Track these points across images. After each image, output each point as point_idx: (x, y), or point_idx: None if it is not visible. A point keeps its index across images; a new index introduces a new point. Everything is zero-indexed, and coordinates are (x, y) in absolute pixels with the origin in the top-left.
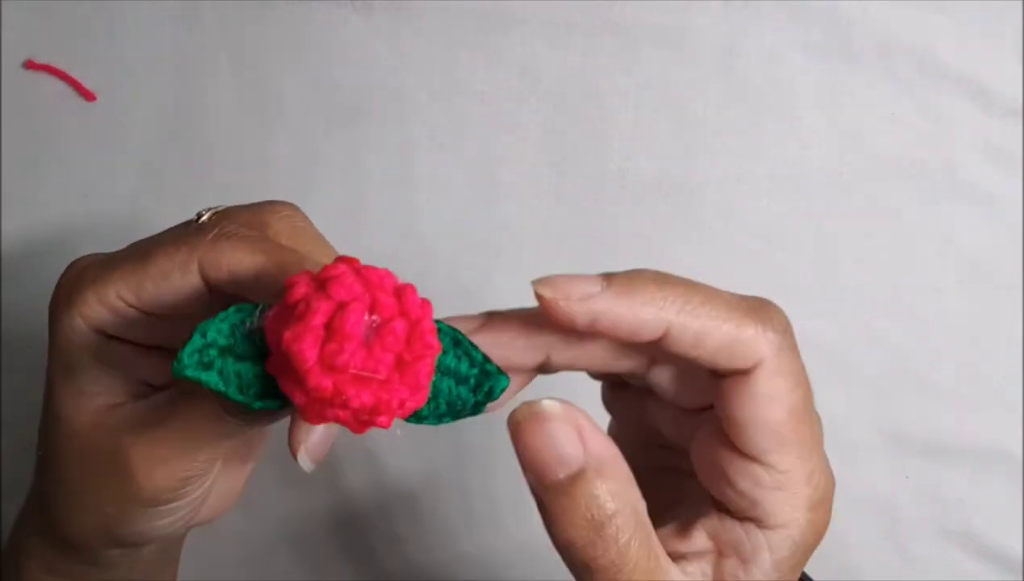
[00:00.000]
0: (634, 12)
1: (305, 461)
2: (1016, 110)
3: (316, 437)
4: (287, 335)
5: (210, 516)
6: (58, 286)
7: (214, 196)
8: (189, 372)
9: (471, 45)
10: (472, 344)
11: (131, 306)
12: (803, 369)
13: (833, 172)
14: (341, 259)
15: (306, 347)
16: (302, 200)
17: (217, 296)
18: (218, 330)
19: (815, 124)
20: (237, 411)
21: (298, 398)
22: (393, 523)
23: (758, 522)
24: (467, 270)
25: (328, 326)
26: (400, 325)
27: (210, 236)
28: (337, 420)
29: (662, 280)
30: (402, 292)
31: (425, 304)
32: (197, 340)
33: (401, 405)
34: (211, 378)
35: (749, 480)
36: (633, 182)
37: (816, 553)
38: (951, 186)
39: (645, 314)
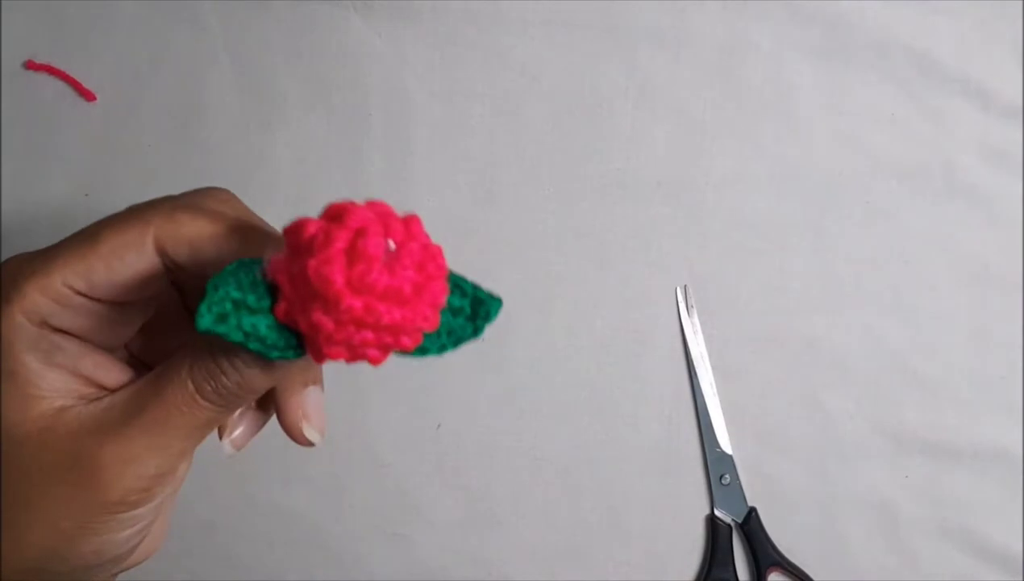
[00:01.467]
0: (634, 12)
1: (313, 434)
2: (1015, 110)
3: (314, 409)
4: (312, 263)
5: (139, 556)
6: None
7: None
8: (209, 325)
9: (471, 45)
10: (461, 276)
11: (80, 293)
12: None
13: (833, 172)
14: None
15: (335, 270)
16: (302, 200)
17: (174, 276)
18: (227, 283)
19: (815, 124)
20: (215, 391)
21: (325, 325)
22: (393, 523)
23: None
24: (467, 270)
25: (350, 251)
26: (415, 247)
27: (165, 208)
28: (364, 343)
29: None
30: (409, 221)
31: (437, 247)
32: (211, 294)
33: (424, 322)
34: (230, 330)
35: None
36: (633, 182)
37: (816, 553)
38: (950, 186)
39: None
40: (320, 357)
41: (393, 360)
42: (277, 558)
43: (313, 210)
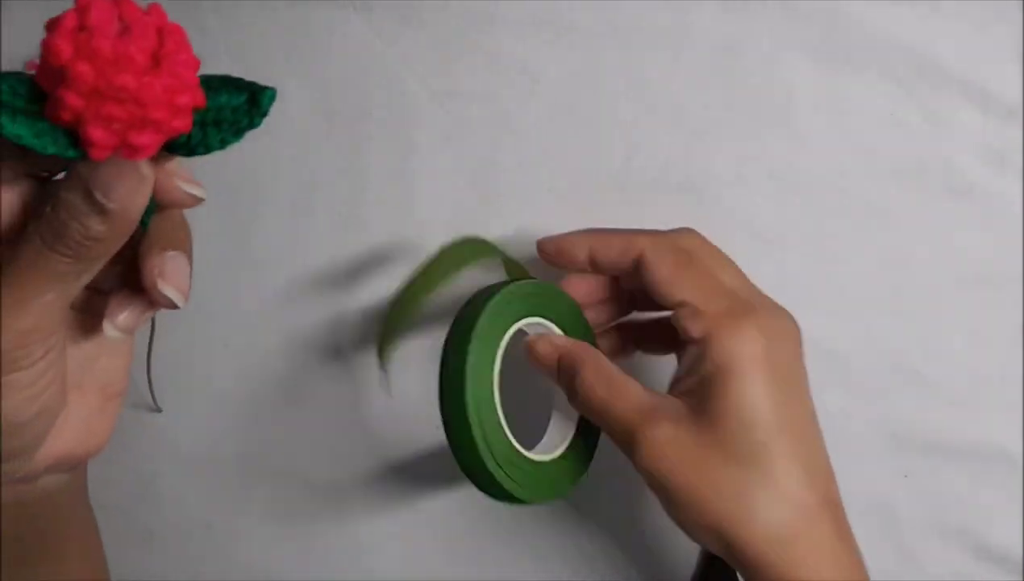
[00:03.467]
0: (634, 12)
1: (171, 290)
2: (1015, 111)
3: (172, 270)
4: (42, 42)
5: (75, 450)
6: None
7: (214, 197)
8: None
9: (471, 45)
10: (238, 77)
11: None
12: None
13: (833, 172)
14: None
15: (62, 41)
16: (302, 200)
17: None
18: None
19: (814, 124)
20: (60, 241)
21: (72, 100)
22: (393, 523)
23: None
24: (466, 270)
25: (79, 26)
26: (149, 21)
27: None
28: (114, 118)
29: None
30: (152, 9)
31: (178, 27)
32: None
33: (171, 93)
34: (4, 124)
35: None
36: (633, 182)
37: None
38: (950, 186)
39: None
40: (91, 146)
41: (393, 354)
42: (277, 558)
43: (314, 212)
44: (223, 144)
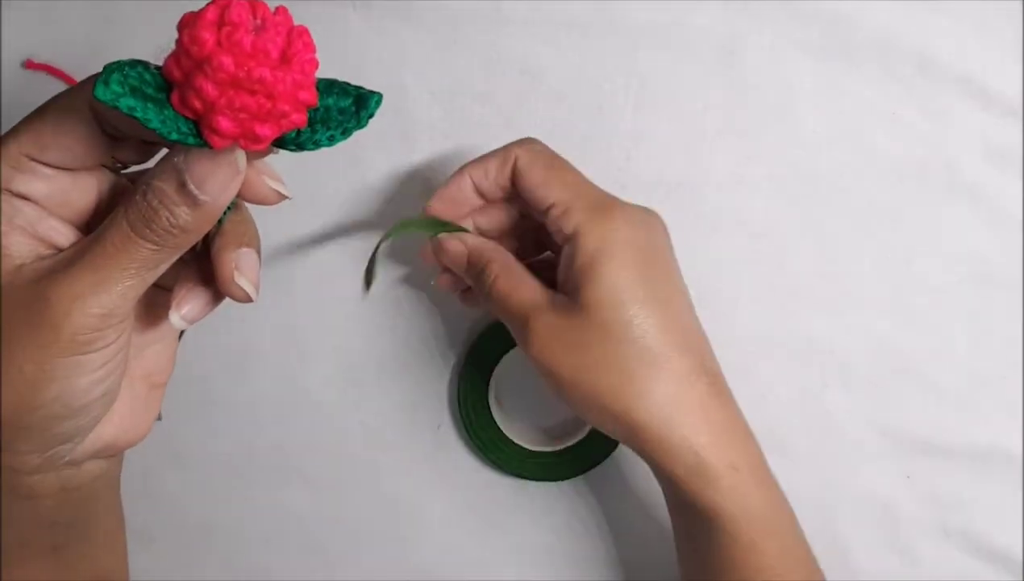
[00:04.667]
0: (634, 12)
1: (247, 284)
2: (1016, 110)
3: (247, 265)
4: (185, 33)
5: (120, 437)
6: None
7: None
8: (108, 97)
9: (471, 45)
10: (345, 81)
11: (35, 160)
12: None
13: (833, 172)
14: None
15: (205, 33)
16: (302, 200)
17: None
18: (125, 73)
19: (815, 124)
20: (148, 227)
21: (207, 89)
22: (393, 523)
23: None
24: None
25: (219, 20)
26: (281, 21)
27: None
28: (244, 108)
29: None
30: (279, 9)
31: (305, 28)
32: (110, 69)
33: (296, 88)
34: (132, 103)
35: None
36: (633, 182)
37: (816, 553)
38: (951, 186)
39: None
40: (213, 134)
41: (393, 354)
42: (276, 558)
43: (314, 212)
44: (331, 141)
